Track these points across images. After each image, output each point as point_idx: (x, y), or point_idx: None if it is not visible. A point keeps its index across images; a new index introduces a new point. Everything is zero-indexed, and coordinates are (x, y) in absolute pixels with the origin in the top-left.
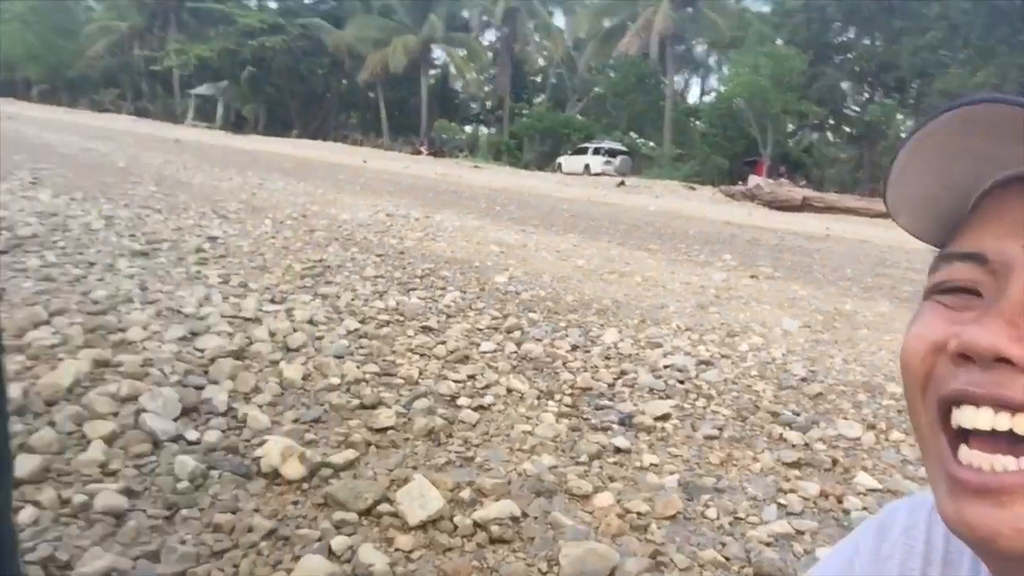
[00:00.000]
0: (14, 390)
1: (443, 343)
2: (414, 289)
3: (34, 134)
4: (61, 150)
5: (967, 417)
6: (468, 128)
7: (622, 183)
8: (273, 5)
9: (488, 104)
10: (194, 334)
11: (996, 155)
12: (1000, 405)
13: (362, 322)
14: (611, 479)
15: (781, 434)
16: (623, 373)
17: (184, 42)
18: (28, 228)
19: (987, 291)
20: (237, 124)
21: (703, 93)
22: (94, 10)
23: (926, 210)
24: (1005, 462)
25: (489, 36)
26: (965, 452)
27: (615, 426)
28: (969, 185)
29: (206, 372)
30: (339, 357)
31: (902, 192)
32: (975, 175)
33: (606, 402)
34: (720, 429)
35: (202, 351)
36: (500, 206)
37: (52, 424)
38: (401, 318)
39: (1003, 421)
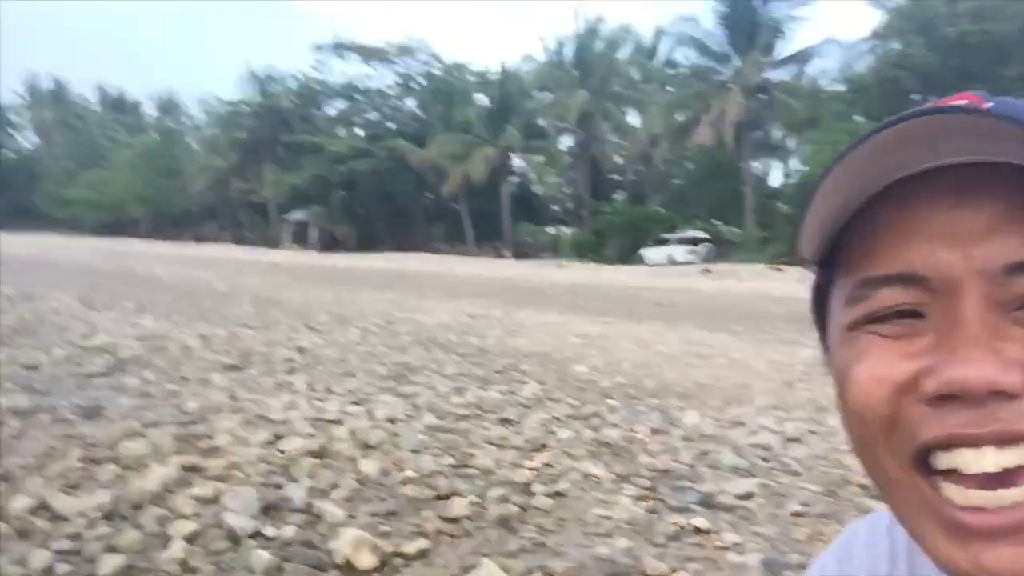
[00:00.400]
0: (103, 496)
1: (520, 434)
2: (493, 384)
3: (142, 267)
4: (165, 280)
5: (967, 461)
6: (551, 229)
7: (706, 270)
8: (361, 132)
9: (569, 204)
10: (278, 437)
11: (890, 162)
12: (1005, 441)
13: (441, 418)
14: (689, 559)
15: (872, 508)
16: (704, 454)
17: (279, 173)
18: (129, 351)
19: (932, 311)
20: (330, 245)
21: (786, 176)
22: (195, 151)
23: (827, 231)
24: (1010, 495)
25: (566, 140)
26: (961, 493)
27: (695, 506)
28: (860, 193)
29: (287, 471)
30: (416, 452)
31: (811, 224)
32: (868, 183)
33: (686, 483)
34: (807, 505)
35: (283, 452)
36: (582, 300)
37: (138, 526)
38: (480, 412)
39: (1009, 457)
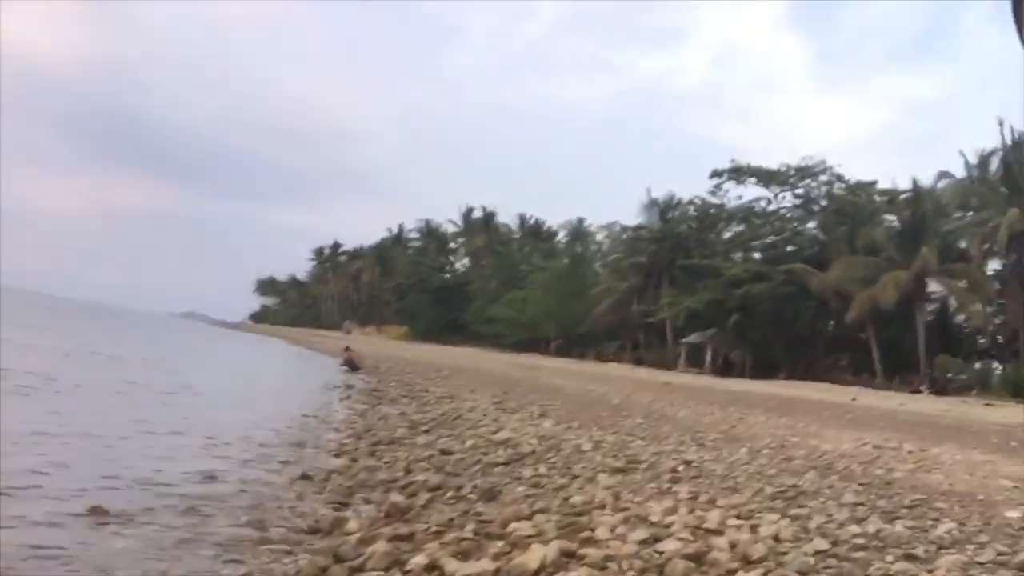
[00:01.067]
0: (489, 566)
1: (930, 572)
2: (899, 518)
3: (547, 380)
4: (567, 391)
5: None
6: (976, 364)
7: None
8: (758, 256)
9: (999, 337)
10: (656, 539)
11: None
12: None
13: (834, 544)
14: None
15: None
16: None
17: (675, 296)
18: (529, 447)
19: None
20: (724, 368)
21: None
22: (599, 275)
23: None
24: None
25: (994, 264)
26: None
27: None
28: None
29: (661, 571)
30: (803, 574)
31: None
32: None
33: None
34: None
35: (660, 553)
36: (1018, 442)
37: None
38: (880, 544)
39: None
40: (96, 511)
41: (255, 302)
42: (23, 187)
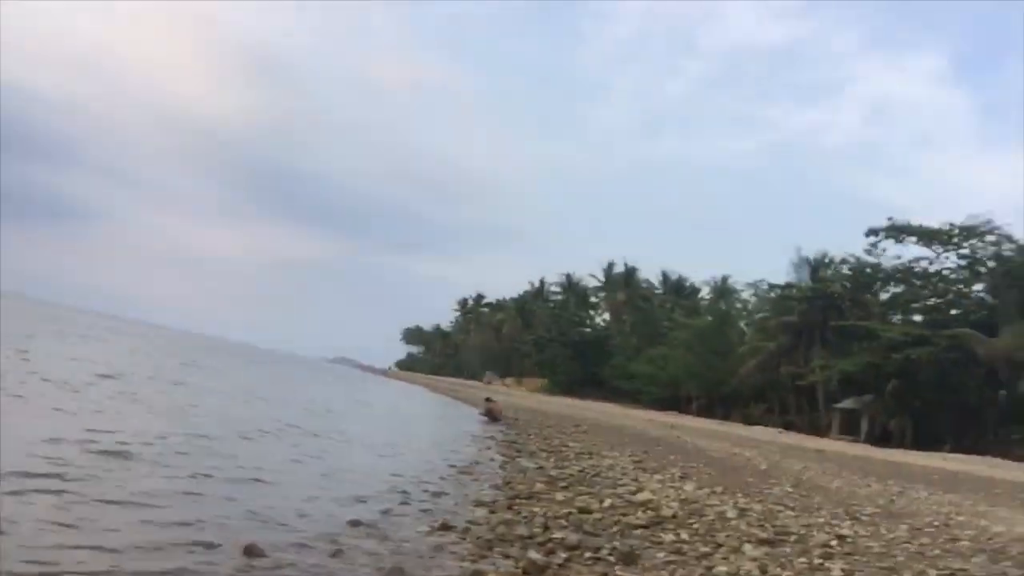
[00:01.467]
0: None
1: None
2: None
3: (691, 441)
4: (711, 453)
5: None
6: None
7: None
8: (918, 318)
9: None
10: None
11: None
12: None
13: None
14: None
15: None
16: None
17: (828, 358)
18: (670, 510)
19: None
20: (882, 437)
21: None
22: (746, 333)
23: None
24: None
25: None
26: None
27: None
28: None
29: None
30: None
31: None
32: None
33: None
34: None
35: None
36: None
37: None
38: None
39: None
40: (251, 551)
41: (401, 349)
42: (189, 234)
